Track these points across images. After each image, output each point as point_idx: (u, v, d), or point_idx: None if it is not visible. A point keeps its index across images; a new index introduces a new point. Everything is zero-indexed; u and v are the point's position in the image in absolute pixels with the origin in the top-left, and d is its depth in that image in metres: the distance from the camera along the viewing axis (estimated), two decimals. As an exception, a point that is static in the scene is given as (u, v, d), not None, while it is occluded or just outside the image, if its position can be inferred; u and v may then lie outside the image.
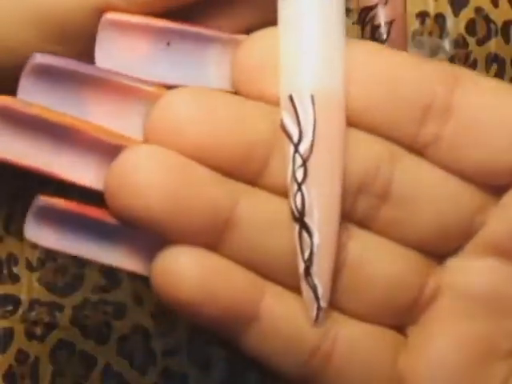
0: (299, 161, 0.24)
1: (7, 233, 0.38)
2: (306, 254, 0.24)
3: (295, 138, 0.24)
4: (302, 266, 0.24)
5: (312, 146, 0.24)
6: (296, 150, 0.24)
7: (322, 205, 0.24)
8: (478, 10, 0.39)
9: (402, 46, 0.38)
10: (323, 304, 0.24)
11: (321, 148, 0.24)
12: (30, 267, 0.38)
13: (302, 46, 0.25)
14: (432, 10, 0.39)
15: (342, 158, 0.24)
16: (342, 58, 0.25)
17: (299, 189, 0.24)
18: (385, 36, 0.37)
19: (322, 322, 0.24)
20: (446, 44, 0.39)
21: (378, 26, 0.37)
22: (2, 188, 0.38)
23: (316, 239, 0.24)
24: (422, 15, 0.39)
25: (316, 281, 0.24)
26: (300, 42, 0.25)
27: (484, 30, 0.39)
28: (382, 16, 0.37)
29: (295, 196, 0.24)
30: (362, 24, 0.38)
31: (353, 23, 0.39)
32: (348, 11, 0.39)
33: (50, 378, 0.38)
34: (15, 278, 0.38)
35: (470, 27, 0.39)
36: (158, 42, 0.25)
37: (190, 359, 0.38)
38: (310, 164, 0.24)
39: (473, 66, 0.39)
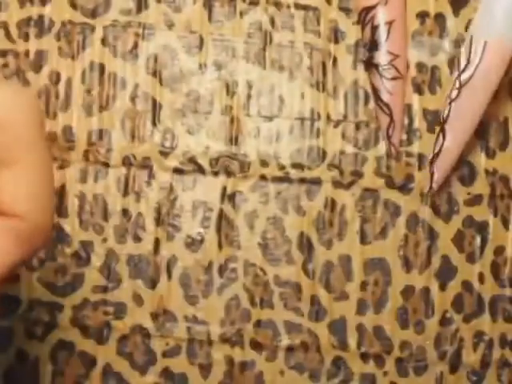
0: (457, 85, 0.35)
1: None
2: (437, 149, 0.37)
3: (461, 67, 0.35)
4: (430, 156, 0.37)
5: (470, 78, 0.35)
6: (458, 77, 0.35)
7: (459, 123, 0.36)
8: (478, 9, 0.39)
9: (402, 46, 0.38)
10: (435, 186, 0.38)
11: (475, 82, 0.35)
12: (30, 267, 0.38)
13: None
14: (432, 10, 0.39)
15: (485, 99, 0.35)
16: None
17: (449, 104, 0.36)
18: (384, 36, 0.37)
19: None
20: (446, 44, 0.39)
21: (378, 27, 0.37)
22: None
23: (446, 142, 0.36)
24: (422, 15, 0.39)
25: (435, 169, 0.37)
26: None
27: (484, 29, 0.39)
28: (381, 16, 0.37)
29: (445, 108, 0.36)
30: (362, 24, 0.38)
31: (353, 23, 0.39)
32: (348, 11, 0.39)
33: (50, 378, 0.38)
34: (15, 278, 0.38)
35: (470, 27, 0.39)
36: None
37: (189, 359, 0.38)
38: (464, 91, 0.35)
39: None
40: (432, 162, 0.37)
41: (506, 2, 0.35)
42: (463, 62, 0.36)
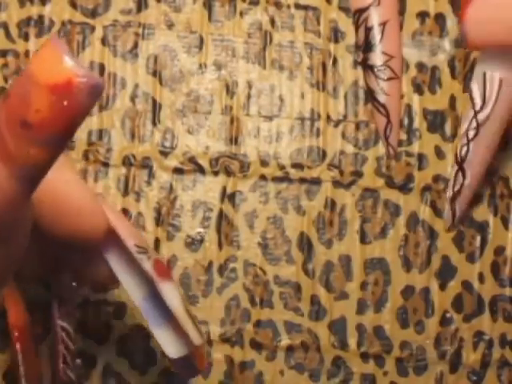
0: (474, 124, 0.34)
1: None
2: (456, 188, 0.36)
3: (477, 107, 0.34)
4: (450, 194, 0.37)
5: (488, 118, 0.34)
6: (475, 116, 0.34)
7: (477, 159, 0.35)
8: (478, 9, 0.39)
9: (397, 47, 0.38)
10: (456, 224, 0.38)
11: (492, 121, 0.34)
12: (29, 267, 0.38)
13: None
14: (432, 10, 0.39)
15: (500, 133, 0.35)
16: None
17: (467, 143, 0.35)
18: (379, 37, 0.37)
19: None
20: (446, 44, 0.39)
21: (372, 28, 0.37)
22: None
23: (466, 181, 0.36)
24: (422, 15, 0.39)
25: (457, 207, 0.37)
26: None
27: (484, 29, 0.39)
28: (375, 17, 0.37)
29: (462, 147, 0.35)
30: (356, 26, 0.38)
31: (352, 23, 0.39)
32: (348, 11, 0.39)
33: (50, 378, 0.38)
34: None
35: (470, 27, 0.39)
36: None
37: (189, 359, 0.38)
38: (482, 130, 0.34)
39: (473, 65, 0.39)
40: (453, 200, 0.37)
41: None
42: (479, 101, 0.34)
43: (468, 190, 0.37)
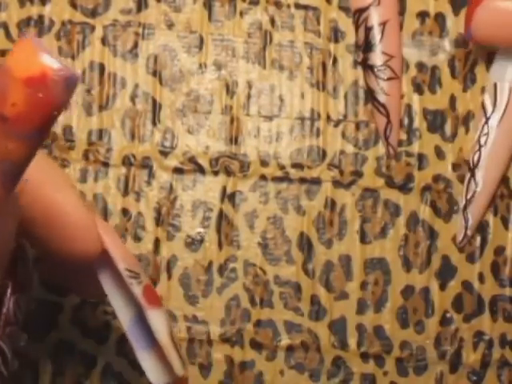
0: (486, 130, 0.36)
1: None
2: (469, 195, 0.36)
3: (488, 113, 0.36)
4: (463, 202, 0.37)
5: (499, 123, 0.36)
6: (486, 122, 0.36)
7: (490, 165, 0.36)
8: (478, 9, 0.39)
9: (397, 47, 0.38)
10: (469, 232, 0.37)
11: (503, 127, 0.36)
12: (29, 267, 0.38)
13: None
14: (432, 10, 0.39)
15: None
16: None
17: (479, 150, 0.36)
18: (379, 37, 0.37)
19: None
20: (446, 44, 0.39)
21: (372, 28, 0.37)
22: None
23: (478, 188, 0.36)
24: (422, 15, 0.39)
25: (469, 215, 0.37)
26: None
27: (484, 29, 0.39)
28: (375, 17, 0.37)
29: (474, 154, 0.36)
30: (356, 26, 0.38)
31: (353, 23, 0.39)
32: (348, 11, 0.39)
33: (50, 378, 0.38)
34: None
35: (470, 27, 0.39)
36: None
37: (189, 359, 0.38)
38: (492, 135, 0.36)
39: (473, 65, 0.39)
40: (465, 209, 0.37)
41: None
42: (489, 108, 0.36)
43: (482, 197, 0.37)
